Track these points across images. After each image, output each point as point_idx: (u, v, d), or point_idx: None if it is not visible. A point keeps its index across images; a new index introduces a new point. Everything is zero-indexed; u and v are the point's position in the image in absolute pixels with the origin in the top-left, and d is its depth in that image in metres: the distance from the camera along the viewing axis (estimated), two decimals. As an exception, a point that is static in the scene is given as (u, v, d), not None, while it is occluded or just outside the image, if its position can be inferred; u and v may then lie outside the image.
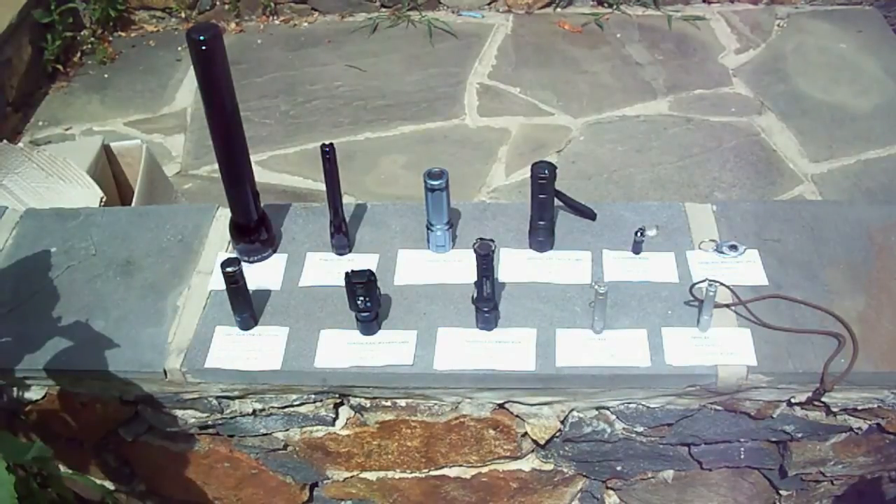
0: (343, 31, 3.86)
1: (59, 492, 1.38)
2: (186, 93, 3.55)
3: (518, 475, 1.61)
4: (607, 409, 1.45)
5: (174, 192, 2.68)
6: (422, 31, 3.84)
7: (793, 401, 1.41)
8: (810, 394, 1.38)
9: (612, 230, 1.58)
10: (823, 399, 1.38)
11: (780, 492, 1.65)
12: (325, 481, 1.67)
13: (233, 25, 3.94)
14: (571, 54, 3.67)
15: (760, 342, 1.37)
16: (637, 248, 1.52)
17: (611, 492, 1.70)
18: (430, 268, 1.52)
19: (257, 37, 3.88)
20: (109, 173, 2.48)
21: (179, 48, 3.83)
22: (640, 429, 1.48)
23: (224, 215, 1.64)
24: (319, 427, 1.52)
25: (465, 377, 1.38)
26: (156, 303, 1.49)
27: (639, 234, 1.50)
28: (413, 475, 1.64)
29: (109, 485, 1.72)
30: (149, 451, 1.61)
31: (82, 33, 3.86)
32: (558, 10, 3.94)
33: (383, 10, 3.96)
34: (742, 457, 1.56)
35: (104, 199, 2.17)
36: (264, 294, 1.49)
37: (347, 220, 1.56)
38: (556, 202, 1.53)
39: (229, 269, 1.34)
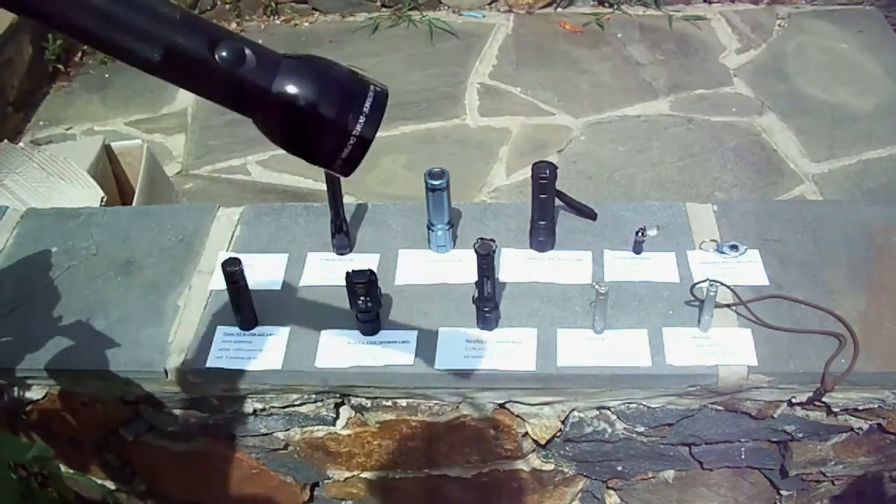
0: (344, 31, 3.86)
1: (60, 491, 1.38)
2: (187, 93, 3.55)
3: (519, 475, 1.61)
4: (608, 409, 1.45)
5: (175, 192, 2.69)
6: (422, 31, 3.84)
7: (793, 401, 1.41)
8: (811, 394, 1.38)
9: (612, 230, 1.58)
10: (824, 399, 1.38)
11: (781, 492, 1.65)
12: (325, 481, 1.67)
13: (233, 25, 3.95)
14: (572, 54, 3.67)
15: (761, 342, 1.37)
16: (638, 248, 1.52)
17: (611, 492, 1.70)
18: (430, 268, 1.52)
19: (258, 37, 3.88)
20: (110, 173, 2.48)
21: (180, 48, 3.83)
22: (640, 429, 1.48)
23: (224, 215, 1.64)
24: (320, 427, 1.52)
25: (465, 377, 1.38)
26: (156, 302, 1.49)
27: (639, 233, 1.50)
28: (414, 475, 1.64)
29: (110, 484, 1.72)
30: (149, 451, 1.61)
31: (83, 33, 3.87)
32: (559, 9, 3.94)
33: (384, 9, 3.96)
34: (743, 457, 1.56)
35: (105, 199, 2.17)
36: (265, 294, 1.49)
37: (348, 219, 1.56)
38: (557, 202, 1.53)
39: (230, 269, 1.34)
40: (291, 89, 0.69)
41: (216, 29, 0.68)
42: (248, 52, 0.68)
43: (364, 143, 0.72)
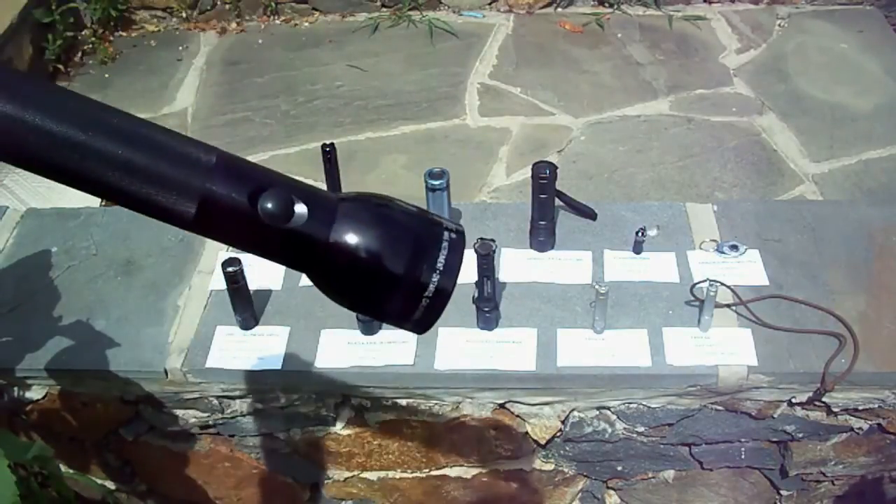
0: (344, 31, 3.86)
1: (60, 491, 1.38)
2: (187, 92, 3.55)
3: (519, 475, 1.61)
4: (608, 408, 1.45)
5: (175, 192, 2.68)
6: (423, 30, 3.84)
7: (793, 401, 1.41)
8: (811, 394, 1.37)
9: (612, 230, 1.58)
10: (824, 399, 1.38)
11: (781, 492, 1.65)
12: (325, 481, 1.67)
13: (234, 25, 3.94)
14: (572, 54, 3.67)
15: (761, 342, 1.37)
16: (638, 248, 1.52)
17: (611, 492, 1.70)
18: (430, 268, 1.52)
19: (258, 36, 3.88)
20: (110, 173, 2.48)
21: (180, 48, 3.83)
22: (640, 429, 1.48)
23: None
24: (320, 427, 1.52)
25: (465, 377, 1.38)
26: (157, 302, 1.49)
27: (639, 233, 1.50)
28: (414, 475, 1.64)
29: (110, 484, 1.72)
30: (149, 451, 1.61)
31: (83, 33, 3.86)
32: (559, 9, 3.94)
33: (384, 9, 3.96)
34: (743, 457, 1.56)
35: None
36: (265, 294, 1.49)
37: (348, 219, 1.55)
38: (557, 202, 1.53)
39: (230, 269, 1.34)
40: (352, 240, 0.58)
41: (260, 175, 0.57)
42: (297, 202, 0.57)
43: (442, 296, 0.61)
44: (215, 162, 0.55)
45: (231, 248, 1.58)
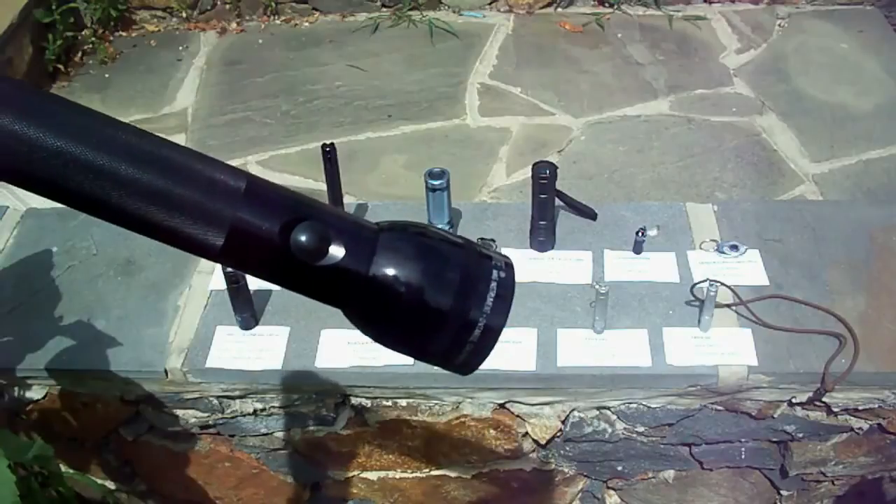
0: (344, 31, 3.86)
1: (60, 491, 1.38)
2: (187, 92, 3.56)
3: (519, 475, 1.61)
4: (608, 408, 1.45)
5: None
6: (423, 30, 3.84)
7: (794, 401, 1.41)
8: (811, 394, 1.38)
9: (612, 230, 1.58)
10: (824, 399, 1.38)
11: (781, 492, 1.65)
12: (325, 481, 1.67)
13: (234, 25, 3.94)
14: (572, 54, 3.67)
15: (761, 342, 1.37)
16: (638, 248, 1.52)
17: (612, 492, 1.70)
18: (430, 268, 1.52)
19: (258, 36, 3.88)
20: (110, 173, 2.48)
21: (180, 48, 3.83)
22: (640, 429, 1.48)
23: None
24: (320, 427, 1.52)
25: (465, 377, 1.37)
26: (157, 302, 1.49)
27: (640, 233, 1.50)
28: (414, 475, 1.64)
29: (110, 484, 1.72)
30: (150, 451, 1.61)
31: (83, 33, 3.87)
32: (559, 9, 3.94)
33: (384, 9, 3.96)
34: (743, 457, 1.56)
35: (105, 199, 2.17)
36: (265, 294, 1.49)
37: (348, 219, 1.55)
38: (557, 202, 1.53)
39: (230, 269, 1.34)
40: (394, 275, 0.53)
41: (293, 204, 0.52)
42: (334, 235, 0.52)
43: (491, 337, 0.57)
44: (245, 188, 0.50)
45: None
